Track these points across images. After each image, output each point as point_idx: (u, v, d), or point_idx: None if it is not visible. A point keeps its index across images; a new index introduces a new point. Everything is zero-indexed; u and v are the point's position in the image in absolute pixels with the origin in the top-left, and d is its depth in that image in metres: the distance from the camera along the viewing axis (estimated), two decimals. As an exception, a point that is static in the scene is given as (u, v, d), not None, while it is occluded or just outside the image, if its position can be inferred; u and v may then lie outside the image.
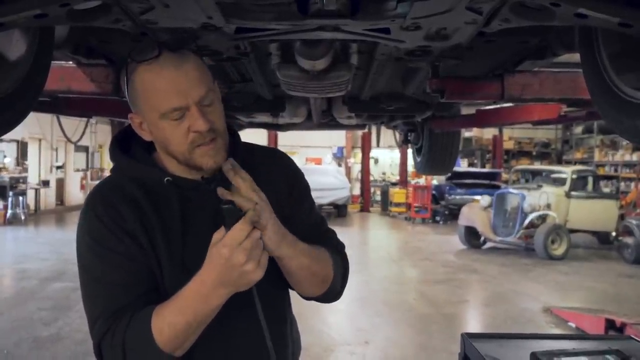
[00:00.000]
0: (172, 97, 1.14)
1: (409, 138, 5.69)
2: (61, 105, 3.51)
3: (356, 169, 22.81)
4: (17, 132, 14.41)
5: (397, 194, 19.07)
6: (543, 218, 11.26)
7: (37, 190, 17.43)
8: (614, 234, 12.00)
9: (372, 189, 21.62)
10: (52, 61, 2.07)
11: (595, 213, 11.89)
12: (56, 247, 10.76)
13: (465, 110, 4.90)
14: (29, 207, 16.34)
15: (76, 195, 19.52)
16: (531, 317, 6.73)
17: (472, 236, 12.04)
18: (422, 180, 18.19)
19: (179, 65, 1.15)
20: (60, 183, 19.35)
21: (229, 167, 1.16)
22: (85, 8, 1.45)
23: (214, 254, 1.09)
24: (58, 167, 19.09)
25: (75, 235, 1.23)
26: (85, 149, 20.19)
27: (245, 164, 1.19)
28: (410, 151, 7.56)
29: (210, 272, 1.10)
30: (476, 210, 11.94)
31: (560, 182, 12.21)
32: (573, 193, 11.90)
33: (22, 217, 15.37)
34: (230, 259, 1.07)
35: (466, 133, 19.97)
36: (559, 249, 10.79)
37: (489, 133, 21.88)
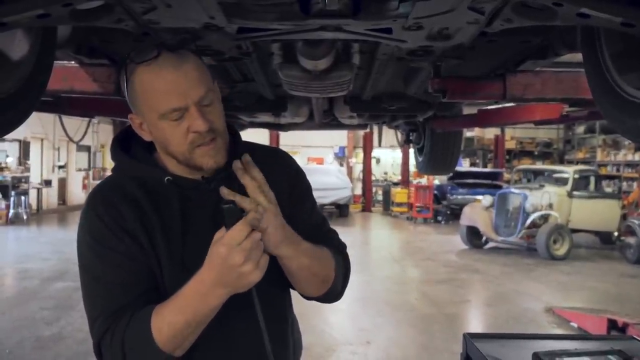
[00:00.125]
0: (171, 97, 1.14)
1: (410, 138, 5.69)
2: (63, 105, 3.52)
3: (358, 168, 22.80)
4: (20, 132, 14.42)
5: (399, 194, 19.05)
6: (545, 218, 11.24)
7: (39, 190, 17.46)
8: (616, 234, 11.97)
9: (373, 189, 21.61)
10: (55, 61, 2.08)
11: (597, 213, 11.87)
12: (58, 246, 10.77)
13: (467, 110, 4.90)
14: (31, 207, 16.36)
15: (78, 195, 19.53)
16: (533, 317, 6.72)
17: (474, 236, 12.03)
18: (423, 180, 18.16)
19: (178, 66, 1.15)
20: (63, 183, 19.37)
21: (239, 166, 1.16)
22: (87, 8, 1.45)
23: (213, 253, 1.09)
24: (60, 167, 19.11)
25: (76, 234, 1.23)
26: (88, 148, 20.22)
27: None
28: (412, 151, 7.55)
29: (209, 272, 1.10)
30: (478, 210, 11.92)
31: (562, 182, 12.19)
32: (575, 193, 11.88)
33: (24, 217, 15.39)
34: (227, 259, 1.07)
35: (468, 133, 19.95)
36: (561, 249, 10.77)
37: (490, 133, 21.86)
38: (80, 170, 20.33)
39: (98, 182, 1.36)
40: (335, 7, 1.61)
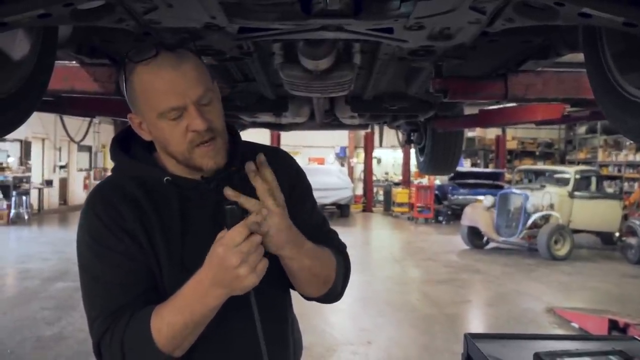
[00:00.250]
0: (169, 96, 1.14)
1: (411, 138, 5.69)
2: (64, 105, 3.52)
3: (359, 168, 22.81)
4: (21, 132, 14.44)
5: (400, 194, 19.05)
6: (546, 218, 11.24)
7: (40, 190, 17.47)
8: (617, 234, 11.95)
9: (374, 189, 21.61)
10: (56, 61, 2.08)
11: (598, 213, 11.86)
12: (59, 246, 10.77)
13: (468, 110, 4.89)
14: (32, 207, 16.37)
15: (79, 195, 19.55)
16: (534, 317, 6.72)
17: (475, 236, 12.02)
18: (424, 180, 18.15)
19: (176, 65, 1.15)
20: (64, 183, 19.39)
21: (252, 168, 1.16)
22: (88, 8, 1.45)
23: (212, 253, 1.09)
24: (61, 167, 19.13)
25: (76, 234, 1.23)
26: (89, 148, 20.24)
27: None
28: (413, 151, 7.55)
29: (207, 272, 1.10)
30: (479, 210, 11.92)
31: (564, 182, 12.18)
32: (576, 193, 11.87)
33: (26, 217, 15.40)
34: (224, 259, 1.07)
35: (469, 133, 19.94)
36: (562, 249, 10.77)
37: (492, 133, 21.85)
38: (81, 170, 20.36)
39: (99, 182, 1.36)
40: (336, 7, 1.61)
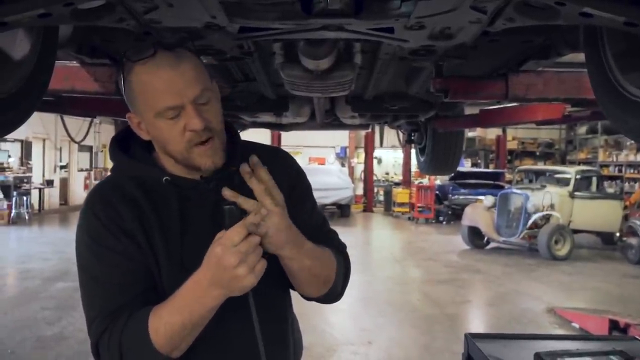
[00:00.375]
0: (167, 96, 1.14)
1: (412, 138, 5.68)
2: (65, 104, 3.52)
3: (359, 168, 22.80)
4: (21, 132, 14.45)
5: (401, 194, 19.05)
6: (547, 218, 11.23)
7: (41, 190, 17.47)
8: (617, 234, 11.95)
9: (375, 189, 21.61)
10: (56, 61, 2.07)
11: (599, 213, 11.85)
12: (59, 246, 10.77)
13: (469, 110, 4.89)
14: (32, 207, 16.37)
15: (80, 195, 19.55)
16: (534, 317, 6.71)
17: (475, 236, 12.02)
18: (425, 180, 18.15)
19: (175, 65, 1.15)
20: (64, 183, 19.40)
21: (247, 169, 1.15)
22: (89, 7, 1.45)
23: (210, 253, 1.09)
24: (62, 167, 19.13)
25: (75, 235, 1.23)
26: (89, 148, 20.24)
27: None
28: (413, 151, 7.55)
29: (206, 272, 1.09)
30: (479, 210, 11.91)
31: (564, 182, 12.18)
32: (577, 193, 11.87)
33: (26, 217, 15.40)
34: (222, 259, 1.06)
35: (470, 133, 19.93)
36: (563, 250, 10.76)
37: (492, 133, 21.83)
38: (82, 170, 20.36)
39: (98, 182, 1.36)
40: (337, 7, 1.61)
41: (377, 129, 11.50)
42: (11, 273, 8.95)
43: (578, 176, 12.07)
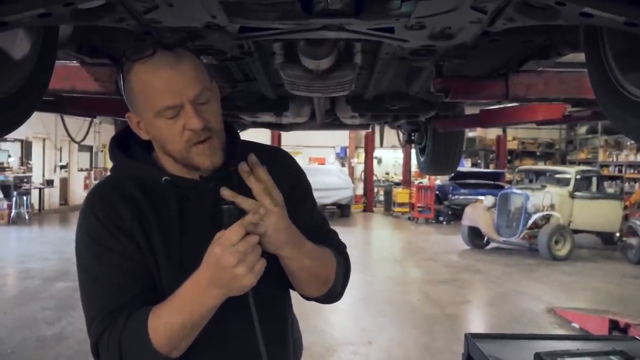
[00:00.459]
0: (166, 95, 1.14)
1: (412, 138, 5.68)
2: (65, 104, 3.52)
3: (359, 169, 22.80)
4: (21, 132, 14.43)
5: (401, 194, 19.04)
6: (547, 218, 11.23)
7: (41, 190, 17.48)
8: (618, 234, 11.95)
9: (375, 189, 21.61)
10: (56, 60, 2.07)
11: (599, 214, 11.85)
12: (59, 246, 10.77)
13: (469, 110, 4.89)
14: (33, 207, 16.38)
15: (80, 194, 19.55)
16: (534, 317, 6.71)
17: (475, 236, 12.02)
18: (425, 180, 18.15)
19: (174, 64, 1.15)
20: (64, 183, 19.40)
21: (245, 168, 1.15)
22: (89, 7, 1.45)
23: (209, 253, 1.09)
24: (62, 167, 19.14)
25: (75, 234, 1.23)
26: (89, 148, 20.25)
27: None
28: (413, 151, 7.55)
29: (205, 272, 1.09)
30: (480, 210, 11.91)
31: (564, 182, 12.18)
32: (577, 193, 11.87)
33: (26, 217, 15.41)
34: (221, 259, 1.06)
35: (470, 133, 19.93)
36: (563, 250, 10.76)
37: (492, 133, 21.83)
38: (82, 170, 20.36)
39: (98, 181, 1.36)
40: (337, 7, 1.61)
41: (377, 129, 11.49)
42: (11, 273, 8.95)
43: (578, 176, 12.07)
